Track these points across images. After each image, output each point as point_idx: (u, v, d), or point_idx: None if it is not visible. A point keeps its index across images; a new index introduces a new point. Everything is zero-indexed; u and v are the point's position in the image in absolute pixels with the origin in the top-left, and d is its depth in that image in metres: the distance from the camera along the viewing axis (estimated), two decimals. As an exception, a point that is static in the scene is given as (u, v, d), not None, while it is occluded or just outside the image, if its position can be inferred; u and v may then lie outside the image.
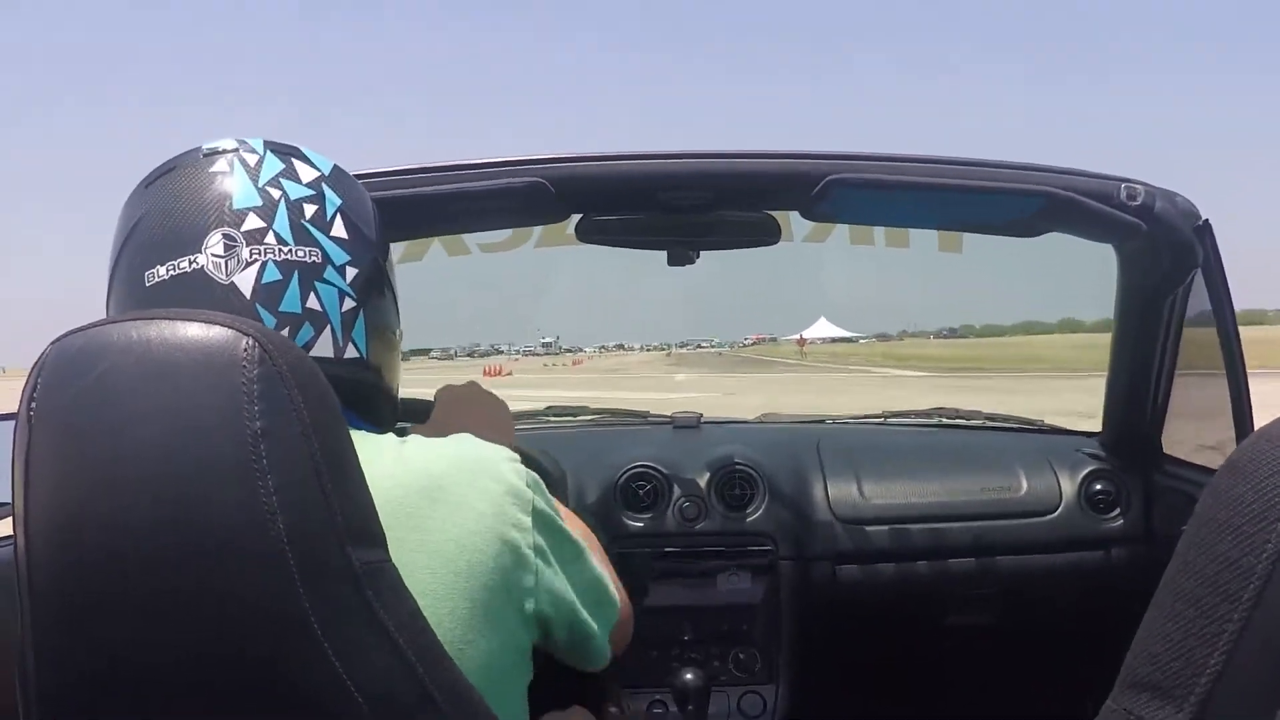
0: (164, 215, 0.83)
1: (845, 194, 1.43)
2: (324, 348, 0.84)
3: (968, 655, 2.00)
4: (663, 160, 1.47)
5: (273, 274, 0.82)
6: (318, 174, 0.88)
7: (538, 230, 1.70)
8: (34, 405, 0.67)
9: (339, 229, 0.86)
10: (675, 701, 1.72)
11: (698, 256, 1.66)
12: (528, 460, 1.53)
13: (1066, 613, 1.93)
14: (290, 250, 0.83)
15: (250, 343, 0.66)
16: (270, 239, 0.82)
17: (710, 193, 1.49)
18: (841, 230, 1.77)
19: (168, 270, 0.81)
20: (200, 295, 0.80)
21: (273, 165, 0.86)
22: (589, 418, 2.35)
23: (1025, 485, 1.89)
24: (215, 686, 0.65)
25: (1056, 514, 1.86)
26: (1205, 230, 1.48)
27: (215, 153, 0.86)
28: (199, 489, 0.63)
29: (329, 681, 0.65)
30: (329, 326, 0.84)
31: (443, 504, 0.78)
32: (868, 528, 1.85)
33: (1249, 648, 0.51)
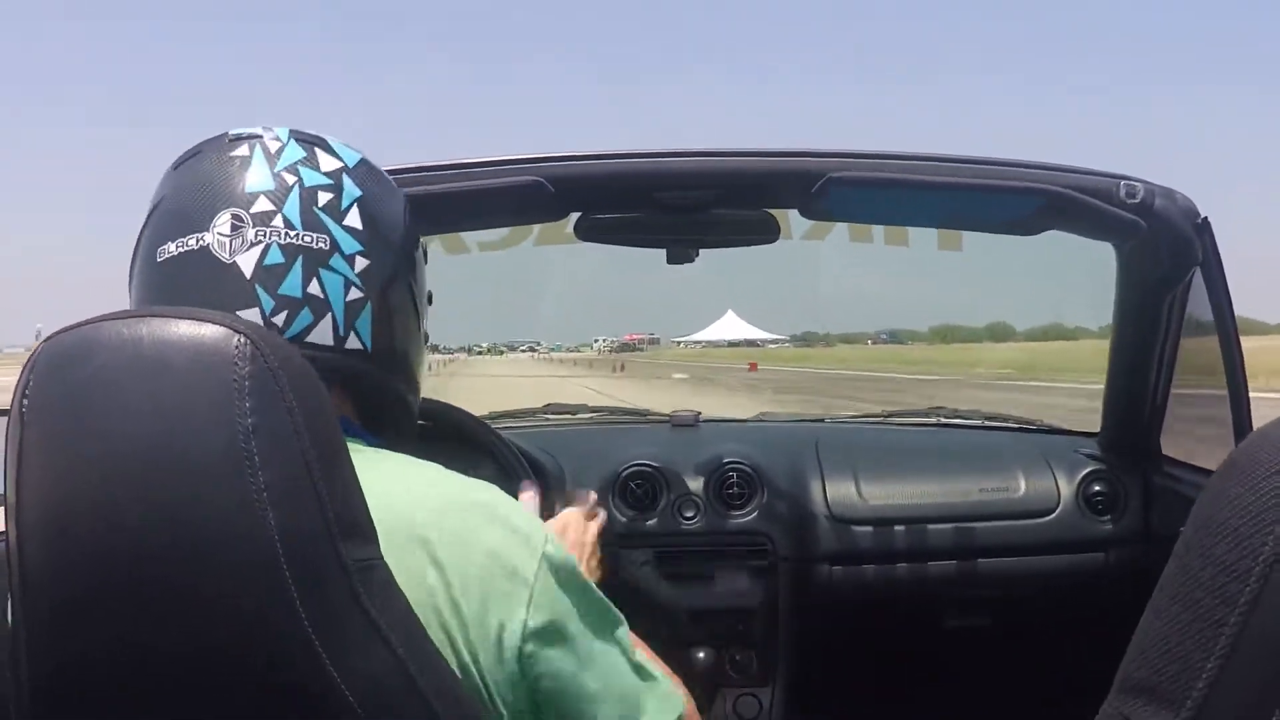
0: (181, 195, 0.84)
1: (844, 192, 1.43)
2: (323, 334, 0.83)
3: (965, 657, 1.99)
4: (662, 159, 1.46)
5: (275, 256, 0.81)
6: (339, 165, 0.88)
7: (537, 228, 1.70)
8: (26, 402, 0.67)
9: (353, 219, 0.85)
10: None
11: (697, 255, 1.65)
12: (528, 460, 1.53)
13: (1063, 614, 1.93)
14: (297, 235, 0.82)
15: (242, 340, 0.66)
16: (278, 221, 0.82)
17: (709, 191, 1.49)
18: (841, 228, 1.77)
19: (177, 247, 0.82)
20: (203, 272, 0.81)
21: (294, 153, 0.86)
22: (587, 416, 2.34)
23: (1023, 486, 1.88)
24: (206, 681, 0.65)
25: (1054, 515, 1.85)
26: (1205, 228, 1.47)
27: (240, 138, 0.86)
28: (190, 485, 0.63)
29: (319, 678, 0.65)
30: (330, 314, 0.83)
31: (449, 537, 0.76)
32: (865, 528, 1.85)
33: (1246, 651, 0.51)
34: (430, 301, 0.98)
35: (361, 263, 0.85)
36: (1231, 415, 1.50)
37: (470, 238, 1.77)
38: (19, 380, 0.68)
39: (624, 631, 0.84)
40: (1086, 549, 1.85)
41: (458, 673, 0.74)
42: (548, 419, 2.33)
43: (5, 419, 0.69)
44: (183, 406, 0.64)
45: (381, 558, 0.70)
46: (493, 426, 1.53)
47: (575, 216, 1.57)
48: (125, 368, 0.65)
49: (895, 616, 1.92)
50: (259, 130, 0.87)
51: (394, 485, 0.78)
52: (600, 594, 0.84)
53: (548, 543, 0.80)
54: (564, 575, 0.80)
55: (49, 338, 0.70)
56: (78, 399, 0.66)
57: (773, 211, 1.58)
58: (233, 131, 0.87)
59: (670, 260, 1.65)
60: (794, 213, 1.59)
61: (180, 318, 0.67)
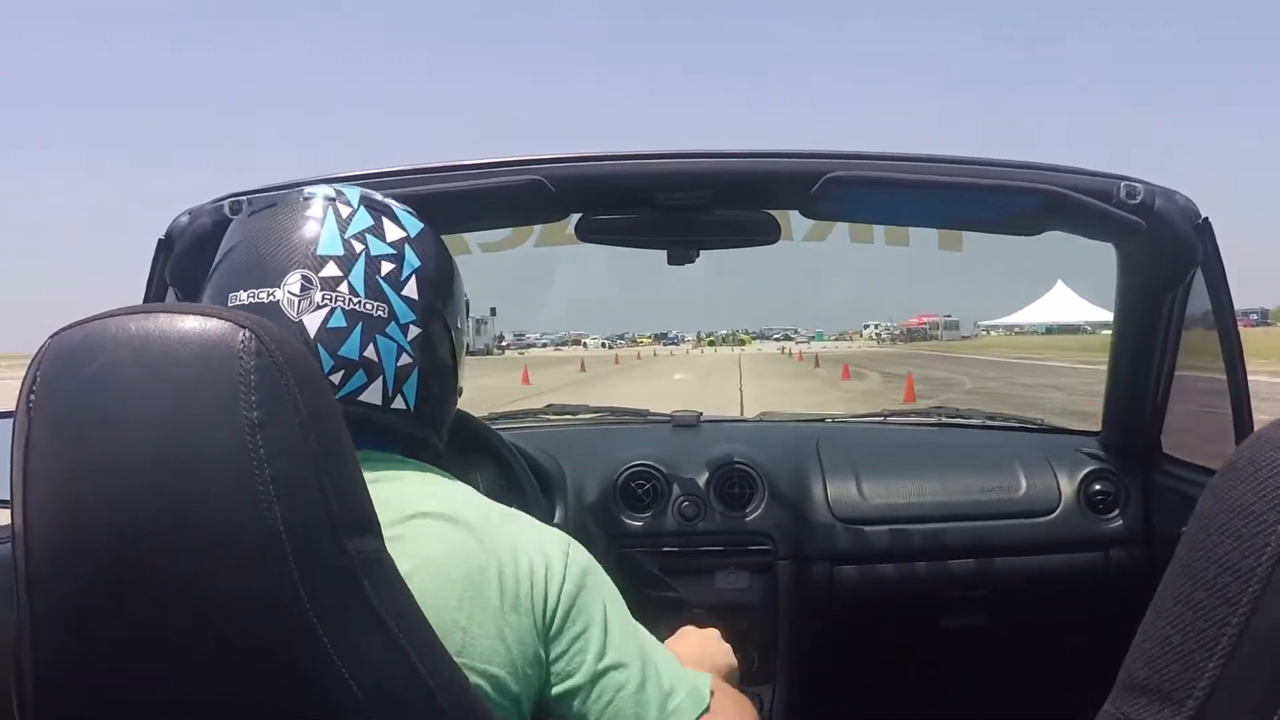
0: (256, 246, 0.91)
1: (845, 192, 1.43)
2: (373, 395, 0.89)
3: (965, 656, 1.99)
4: (662, 159, 1.46)
5: (339, 320, 0.87)
6: (403, 235, 0.94)
7: (538, 229, 1.70)
8: (33, 397, 0.68)
9: (410, 289, 0.92)
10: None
11: (698, 255, 1.66)
12: (528, 461, 1.54)
13: (1064, 614, 1.93)
14: (360, 302, 0.89)
15: (247, 335, 0.66)
16: (343, 288, 0.88)
17: (709, 192, 1.49)
18: (842, 229, 1.77)
19: (249, 296, 0.88)
20: None
21: (362, 220, 0.92)
22: (589, 417, 2.34)
23: (1024, 485, 1.89)
24: (212, 674, 0.66)
25: (1055, 514, 1.86)
26: (1205, 228, 1.47)
27: (313, 197, 0.93)
28: (196, 479, 0.64)
29: (324, 670, 0.65)
30: (381, 377, 0.89)
31: (487, 536, 0.84)
32: (867, 528, 1.85)
33: (1247, 652, 0.51)
34: (467, 313, 1.06)
35: (414, 331, 0.92)
36: (1232, 414, 1.50)
37: (471, 238, 1.77)
38: (26, 376, 0.69)
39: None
40: (1087, 548, 1.85)
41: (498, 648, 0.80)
42: (548, 419, 2.33)
43: (10, 419, 0.69)
44: (189, 401, 0.65)
45: (385, 550, 0.71)
46: (493, 427, 1.53)
47: (576, 217, 1.57)
48: (132, 363, 0.66)
49: (896, 615, 1.92)
50: (332, 192, 0.94)
51: (438, 488, 0.88)
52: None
53: (572, 546, 0.89)
54: (590, 576, 0.88)
55: (56, 334, 0.70)
56: (84, 394, 0.66)
57: (773, 212, 1.58)
58: (307, 190, 0.94)
59: (671, 261, 1.65)
60: (795, 213, 1.59)
61: (186, 313, 0.68)
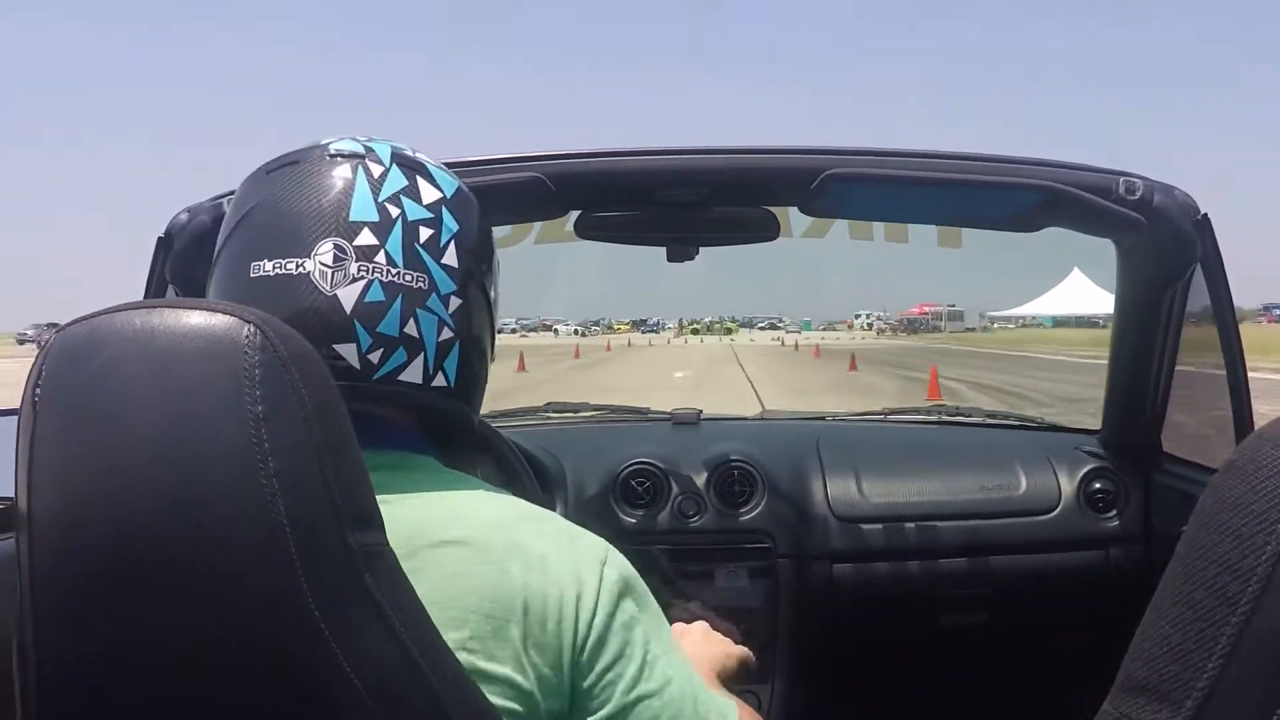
0: (279, 208, 0.83)
1: (844, 189, 1.43)
2: (413, 374, 0.83)
3: (965, 655, 1.99)
4: (661, 156, 1.46)
5: (377, 294, 0.81)
6: (439, 196, 0.87)
7: (537, 226, 1.70)
8: (38, 392, 0.68)
9: (450, 257, 0.85)
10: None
11: (697, 253, 1.66)
12: (528, 459, 1.53)
13: (1064, 613, 1.93)
14: (399, 273, 0.82)
15: (252, 329, 0.66)
16: (381, 258, 0.81)
17: (708, 189, 1.49)
18: (841, 225, 1.77)
19: (274, 267, 0.81)
20: (301, 299, 0.80)
21: (396, 180, 0.85)
22: (589, 414, 2.35)
23: (1024, 484, 1.89)
24: (215, 668, 0.66)
25: (1055, 513, 1.85)
26: (1205, 225, 1.47)
27: (340, 155, 0.85)
28: (201, 473, 0.64)
29: (327, 664, 0.65)
30: (423, 354, 0.83)
31: (517, 551, 0.77)
32: (866, 526, 1.85)
33: (1247, 650, 0.50)
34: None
35: (455, 303, 0.85)
36: (1232, 412, 1.50)
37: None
38: (31, 371, 0.69)
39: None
40: (1087, 547, 1.85)
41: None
42: (548, 417, 2.33)
43: (14, 417, 0.69)
44: (193, 396, 0.65)
45: (388, 544, 0.70)
46: (492, 425, 1.53)
47: (575, 214, 1.57)
48: (136, 358, 0.66)
49: (895, 614, 1.92)
50: (360, 148, 0.86)
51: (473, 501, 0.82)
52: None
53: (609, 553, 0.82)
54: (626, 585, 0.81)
55: (61, 328, 0.71)
56: (89, 389, 0.66)
57: (773, 209, 1.58)
58: (333, 147, 0.86)
59: (670, 258, 1.65)
60: (794, 210, 1.59)
61: (191, 308, 0.68)
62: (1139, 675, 0.56)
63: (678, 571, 1.80)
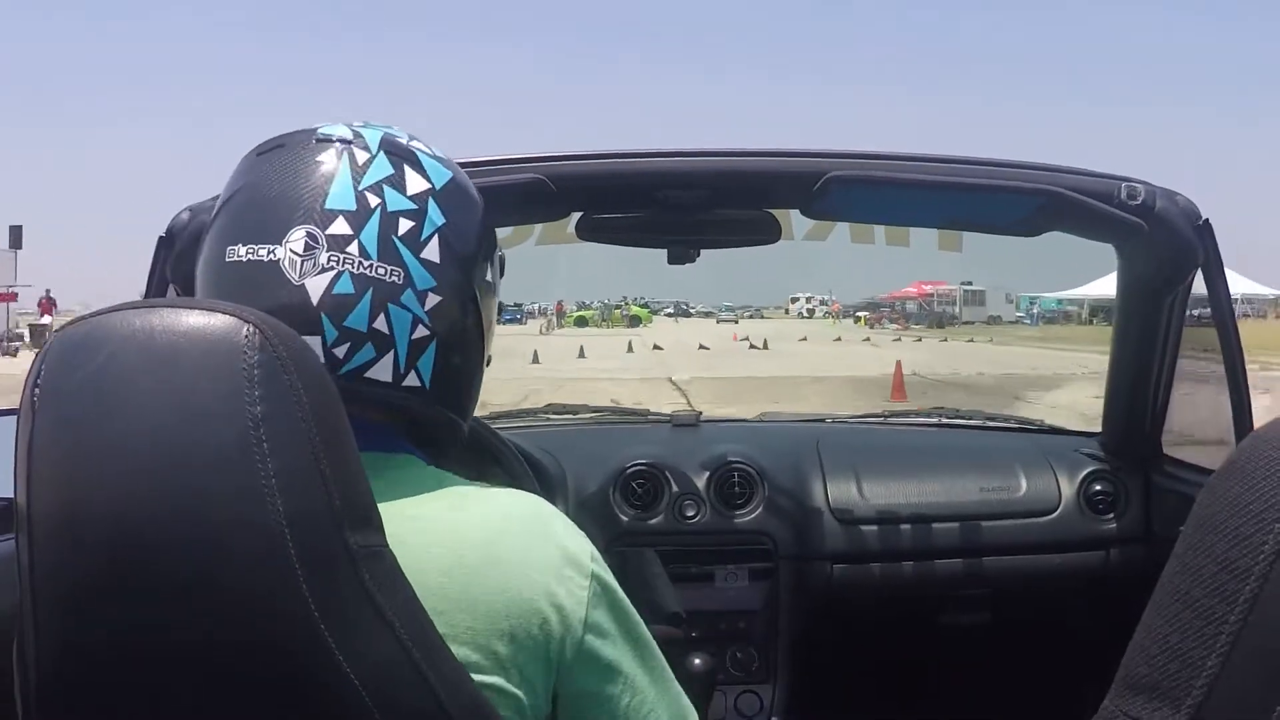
0: (259, 192, 0.81)
1: (845, 191, 1.43)
2: (382, 371, 0.80)
3: (966, 655, 1.99)
4: (662, 158, 1.46)
5: (345, 286, 0.78)
6: (427, 187, 0.84)
7: (538, 228, 1.70)
8: (37, 392, 0.68)
9: (431, 251, 0.82)
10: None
11: (698, 255, 1.66)
12: (528, 460, 1.53)
13: (1064, 613, 1.93)
14: (371, 265, 0.79)
15: (251, 329, 0.67)
16: (353, 249, 0.79)
17: (710, 191, 1.49)
18: (842, 228, 1.77)
19: (248, 253, 0.79)
20: (270, 288, 0.78)
21: (381, 168, 0.82)
22: (589, 416, 2.35)
23: (1024, 485, 1.89)
24: (215, 669, 0.66)
25: (1055, 514, 1.85)
26: (1206, 230, 1.47)
27: (327, 140, 0.83)
28: (200, 473, 0.64)
29: (326, 663, 0.65)
30: (392, 351, 0.80)
31: (495, 567, 0.76)
32: (866, 527, 1.85)
33: (1246, 649, 0.51)
34: (501, 272, 0.94)
35: (433, 300, 0.82)
36: (1232, 414, 1.50)
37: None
38: (30, 370, 0.69)
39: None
40: (1087, 548, 1.85)
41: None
42: (549, 419, 2.33)
43: (13, 416, 0.69)
44: (193, 395, 0.65)
45: (387, 545, 0.70)
46: (493, 426, 1.53)
47: (576, 216, 1.57)
48: (136, 357, 0.66)
49: (896, 615, 1.92)
50: (349, 134, 0.84)
51: (464, 505, 0.80)
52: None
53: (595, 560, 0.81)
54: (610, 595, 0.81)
55: (61, 328, 0.71)
56: (88, 389, 0.66)
57: (774, 211, 1.58)
58: (321, 130, 0.84)
59: (671, 260, 1.65)
60: (795, 212, 1.59)
61: (190, 308, 0.68)
62: (1139, 673, 0.56)
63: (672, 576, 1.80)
